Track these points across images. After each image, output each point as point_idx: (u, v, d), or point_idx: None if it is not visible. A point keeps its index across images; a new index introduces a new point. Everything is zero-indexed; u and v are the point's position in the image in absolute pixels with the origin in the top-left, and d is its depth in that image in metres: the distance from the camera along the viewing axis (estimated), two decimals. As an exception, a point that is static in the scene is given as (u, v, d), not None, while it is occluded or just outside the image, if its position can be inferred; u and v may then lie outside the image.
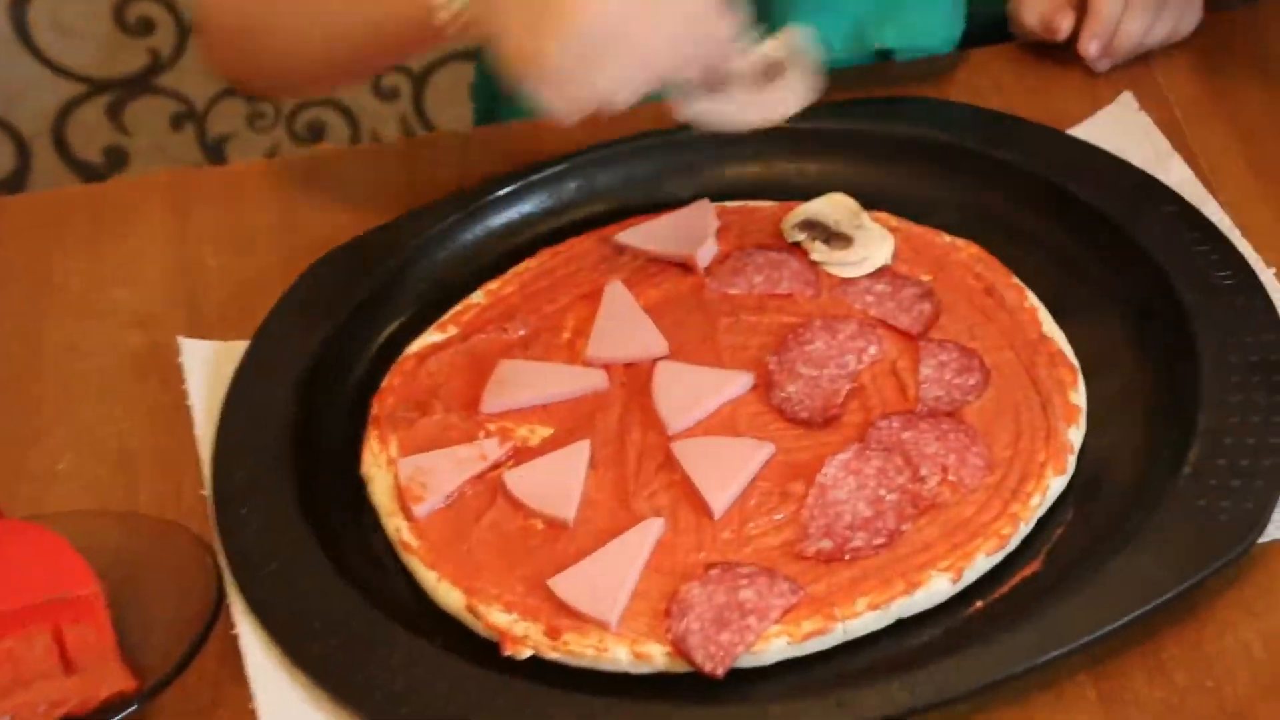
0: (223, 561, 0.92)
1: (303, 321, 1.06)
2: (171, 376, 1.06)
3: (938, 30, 1.22)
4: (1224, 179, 1.11)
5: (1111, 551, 0.86)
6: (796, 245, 1.05)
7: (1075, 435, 0.92)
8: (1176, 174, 1.10)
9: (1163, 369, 0.97)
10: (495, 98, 1.37)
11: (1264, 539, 0.87)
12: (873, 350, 0.98)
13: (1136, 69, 1.22)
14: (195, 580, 0.90)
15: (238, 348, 1.05)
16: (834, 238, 1.06)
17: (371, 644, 0.85)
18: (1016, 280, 1.03)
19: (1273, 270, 1.02)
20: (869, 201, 1.10)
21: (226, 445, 0.98)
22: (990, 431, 0.92)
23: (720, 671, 0.82)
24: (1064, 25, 1.21)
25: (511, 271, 1.08)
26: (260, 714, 0.86)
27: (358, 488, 0.97)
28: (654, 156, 1.16)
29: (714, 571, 0.87)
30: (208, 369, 1.05)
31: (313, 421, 1.00)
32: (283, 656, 0.87)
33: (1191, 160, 1.12)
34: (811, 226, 1.07)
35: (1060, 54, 1.23)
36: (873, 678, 0.81)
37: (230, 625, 0.89)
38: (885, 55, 1.23)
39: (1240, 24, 1.28)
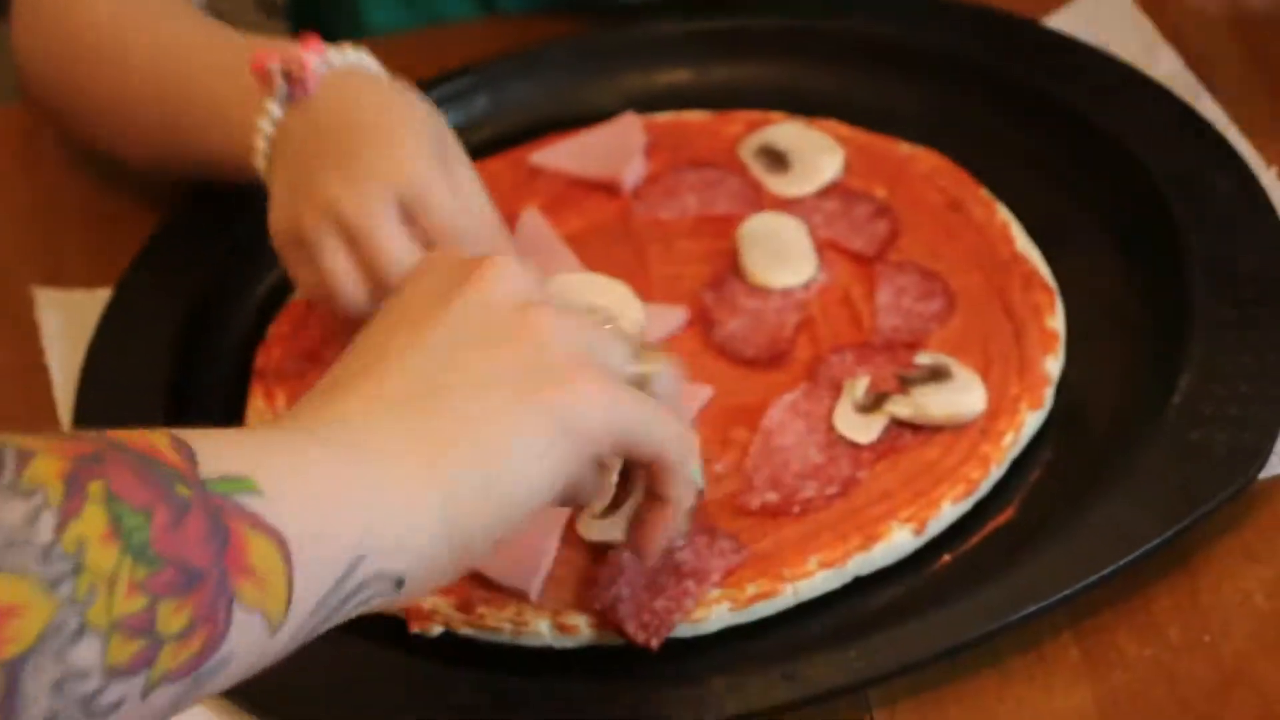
0: None
1: (175, 265, 1.10)
2: (28, 332, 1.10)
3: None
4: (1219, 69, 1.15)
5: (1094, 495, 0.91)
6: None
7: (1053, 365, 0.96)
8: (1165, 65, 1.14)
9: (1151, 288, 1.02)
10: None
11: (1265, 474, 0.90)
12: (823, 277, 1.01)
13: None
14: None
15: (101, 297, 1.08)
16: (776, 159, 1.10)
17: None
18: (985, 193, 1.07)
19: (1274, 170, 1.06)
20: (816, 108, 1.14)
21: (90, 407, 1.03)
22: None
23: (655, 643, 0.85)
24: None
25: None
26: None
27: None
28: (573, 64, 1.20)
29: None
30: (67, 322, 1.11)
31: (189, 377, 1.06)
32: None
33: (1182, 50, 1.16)
34: (768, 153, 1.11)
35: None
36: (827, 645, 0.85)
37: None
38: None
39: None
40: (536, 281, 0.83)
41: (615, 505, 0.91)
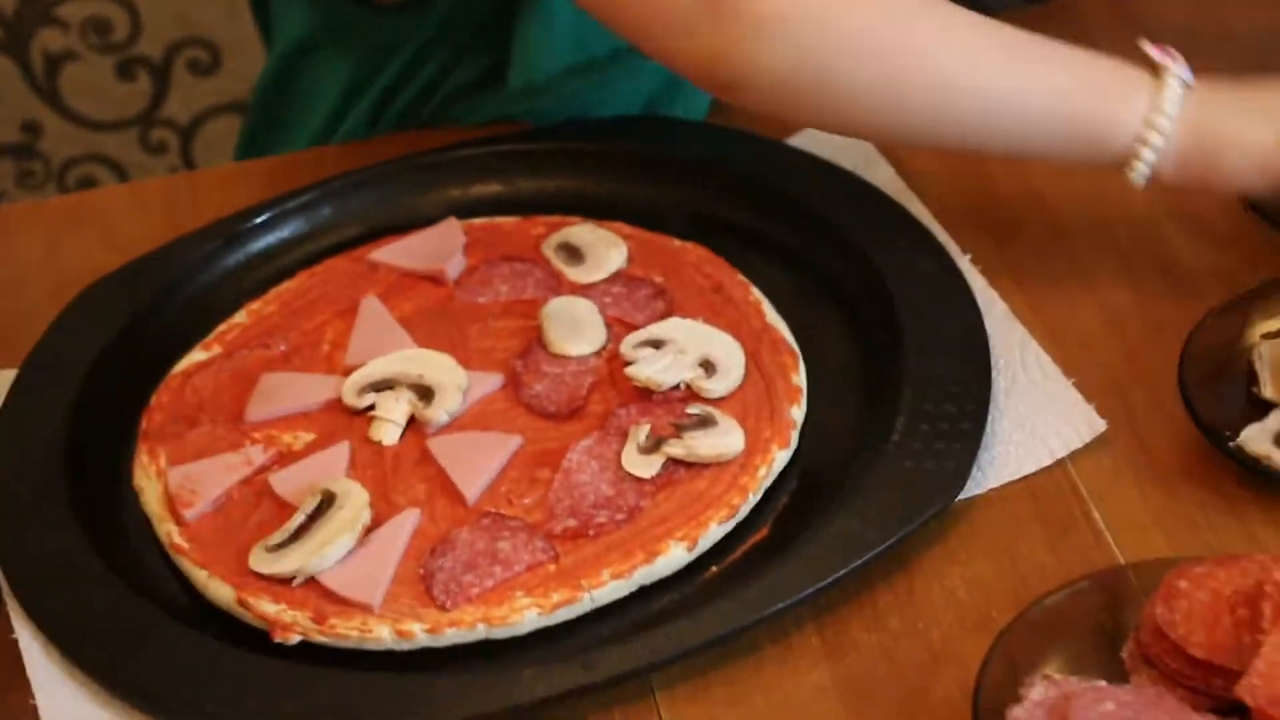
0: (1, 574, 0.92)
1: (72, 346, 1.05)
2: None
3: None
4: (924, 180, 1.14)
5: (830, 514, 0.89)
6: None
7: (797, 413, 0.96)
8: (882, 175, 1.14)
9: (875, 349, 1.01)
10: (262, 151, 1.37)
11: (965, 495, 0.91)
12: (611, 346, 1.00)
13: None
14: None
15: (7, 376, 1.04)
16: (573, 253, 1.08)
17: (145, 639, 0.87)
18: (741, 277, 1.06)
19: (968, 257, 1.06)
20: (605, 212, 1.12)
21: None
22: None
23: (449, 605, 0.85)
24: None
25: (272, 292, 1.08)
26: (43, 714, 0.86)
27: (130, 501, 0.97)
28: (403, 179, 1.16)
29: (486, 521, 0.90)
30: None
31: (84, 440, 1.00)
32: (61, 657, 0.87)
33: (895, 163, 1.15)
34: (566, 249, 1.09)
35: None
36: (618, 640, 0.85)
37: (9, 631, 0.90)
38: None
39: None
40: None
41: (292, 540, 0.90)
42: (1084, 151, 0.98)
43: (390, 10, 1.23)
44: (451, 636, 0.85)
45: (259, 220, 1.13)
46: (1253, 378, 0.95)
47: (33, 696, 0.87)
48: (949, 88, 0.97)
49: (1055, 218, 1.12)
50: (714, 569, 0.90)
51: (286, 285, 1.09)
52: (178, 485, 0.94)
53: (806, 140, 1.17)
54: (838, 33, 0.95)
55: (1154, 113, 0.95)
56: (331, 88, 1.30)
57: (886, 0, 0.97)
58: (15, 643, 0.89)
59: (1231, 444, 0.90)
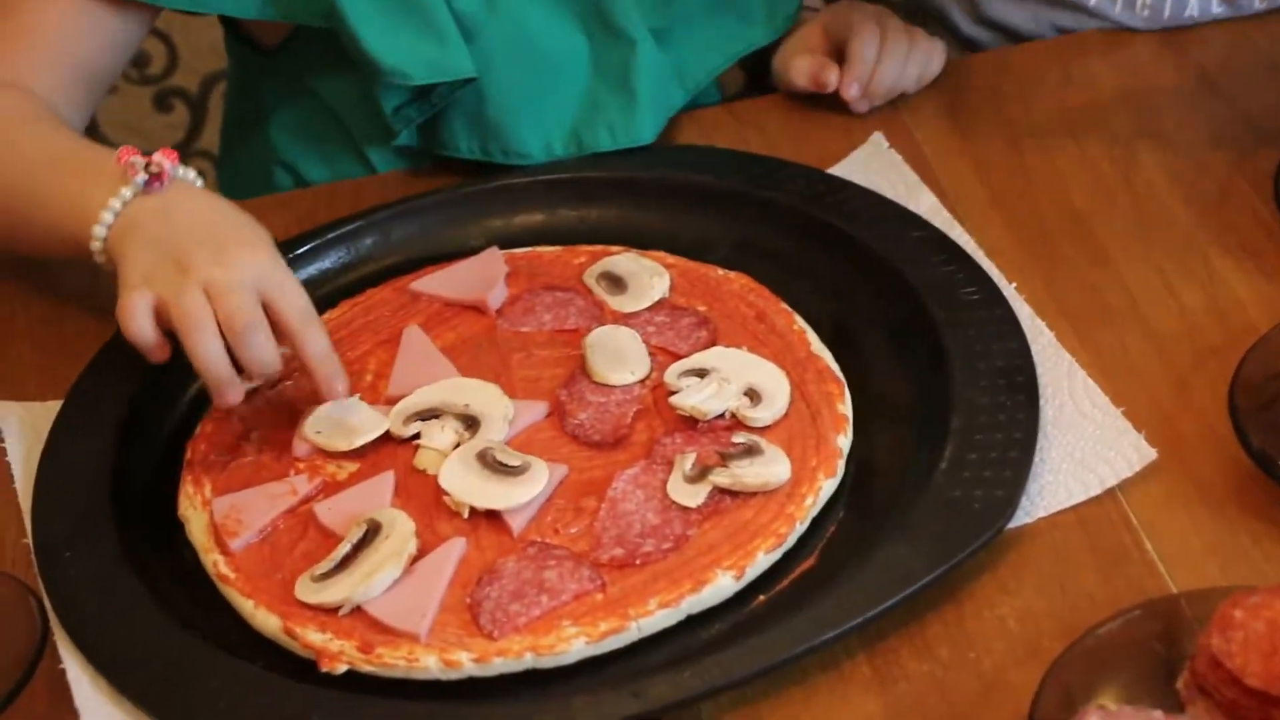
0: (49, 605, 0.91)
1: (117, 378, 1.05)
2: None
3: (643, 128, 1.23)
4: (967, 207, 1.14)
5: (878, 544, 0.89)
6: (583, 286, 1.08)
7: (844, 442, 0.95)
8: (925, 204, 1.13)
9: (920, 378, 1.00)
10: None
11: (1014, 524, 0.90)
12: (655, 375, 1.00)
13: (886, 112, 1.25)
14: (20, 623, 0.90)
15: (52, 408, 1.04)
16: (615, 282, 1.08)
17: (194, 670, 0.86)
18: (785, 306, 1.06)
19: (1013, 285, 1.05)
20: (647, 242, 1.12)
21: (45, 496, 0.98)
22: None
23: (496, 634, 0.85)
24: (831, 79, 1.24)
25: None
26: None
27: (176, 529, 0.97)
28: (446, 209, 1.17)
29: (532, 550, 0.89)
30: (24, 428, 1.05)
31: (129, 470, 1.00)
32: (109, 688, 0.87)
33: (938, 191, 1.15)
34: (608, 278, 1.09)
35: (817, 102, 1.26)
36: (666, 670, 0.84)
37: (58, 662, 0.89)
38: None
39: (978, 69, 1.31)
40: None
41: (338, 569, 0.90)
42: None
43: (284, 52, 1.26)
44: (498, 666, 0.85)
45: (302, 250, 1.13)
46: (1305, 405, 0.94)
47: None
48: None
49: (1099, 245, 1.11)
50: (762, 598, 0.89)
51: (329, 315, 1.09)
52: (223, 515, 0.94)
53: (849, 169, 1.18)
54: None
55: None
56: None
57: None
58: (63, 673, 0.89)
59: None
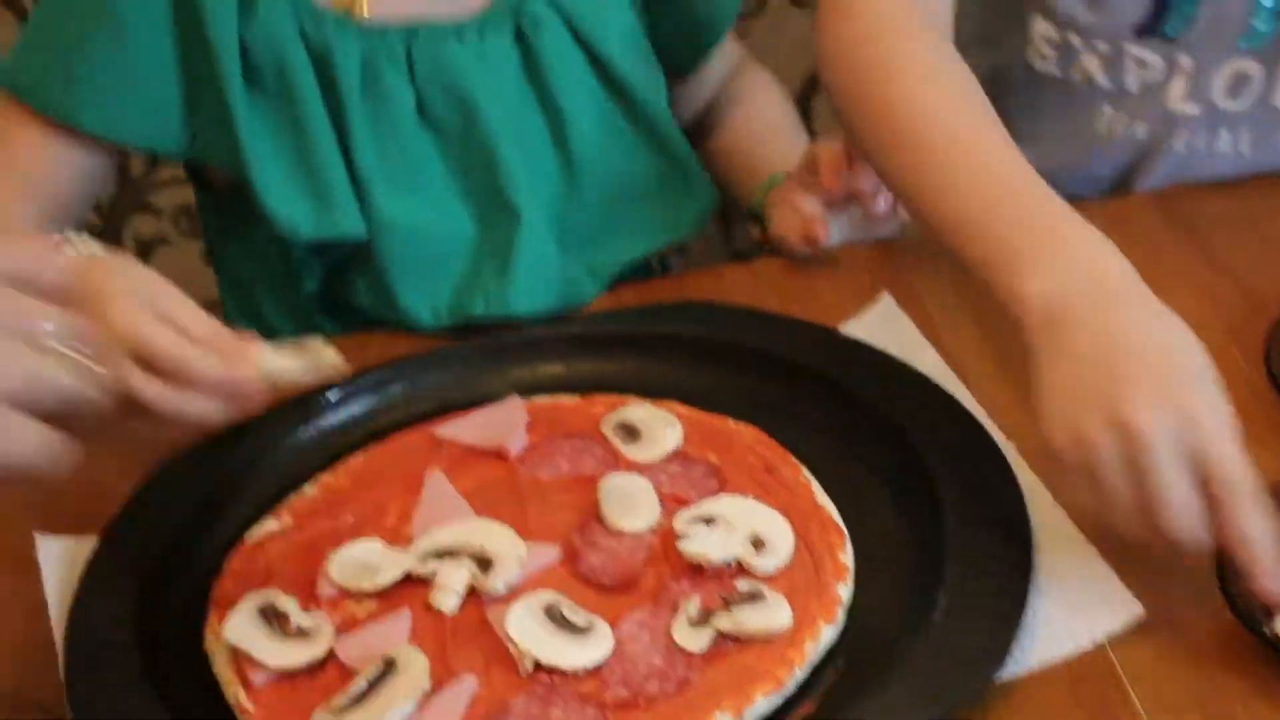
0: None
1: (150, 516, 1.08)
2: (30, 567, 1.07)
3: (518, 300, 1.27)
4: (971, 368, 1.16)
5: (876, 690, 0.89)
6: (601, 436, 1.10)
7: (844, 591, 0.97)
8: (930, 362, 1.15)
9: (919, 530, 1.01)
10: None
11: (1005, 675, 0.91)
12: (665, 522, 1.02)
13: (894, 273, 1.27)
14: None
15: (87, 543, 1.06)
16: (630, 432, 1.11)
17: None
18: (793, 459, 1.07)
19: (1013, 445, 1.07)
20: (661, 393, 1.14)
21: (78, 628, 1.00)
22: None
23: None
24: (822, 233, 1.27)
25: (342, 465, 1.11)
26: None
27: (203, 666, 0.99)
28: (471, 360, 1.20)
29: (540, 689, 0.91)
30: (62, 563, 1.07)
31: (160, 607, 1.02)
32: None
33: (943, 351, 1.17)
34: (624, 428, 1.11)
35: (828, 263, 1.29)
36: None
37: None
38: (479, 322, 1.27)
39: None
40: None
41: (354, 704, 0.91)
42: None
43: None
44: (506, 801, 0.87)
45: (334, 398, 1.17)
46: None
47: None
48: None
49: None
50: (761, 743, 0.90)
51: (355, 458, 1.12)
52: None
53: (858, 328, 1.20)
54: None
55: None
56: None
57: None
58: None
59: (1268, 631, 0.91)
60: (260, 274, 1.39)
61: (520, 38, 1.29)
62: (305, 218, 1.24)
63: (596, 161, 1.34)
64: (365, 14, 1.25)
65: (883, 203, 1.26)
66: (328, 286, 1.32)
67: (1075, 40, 1.32)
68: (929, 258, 1.29)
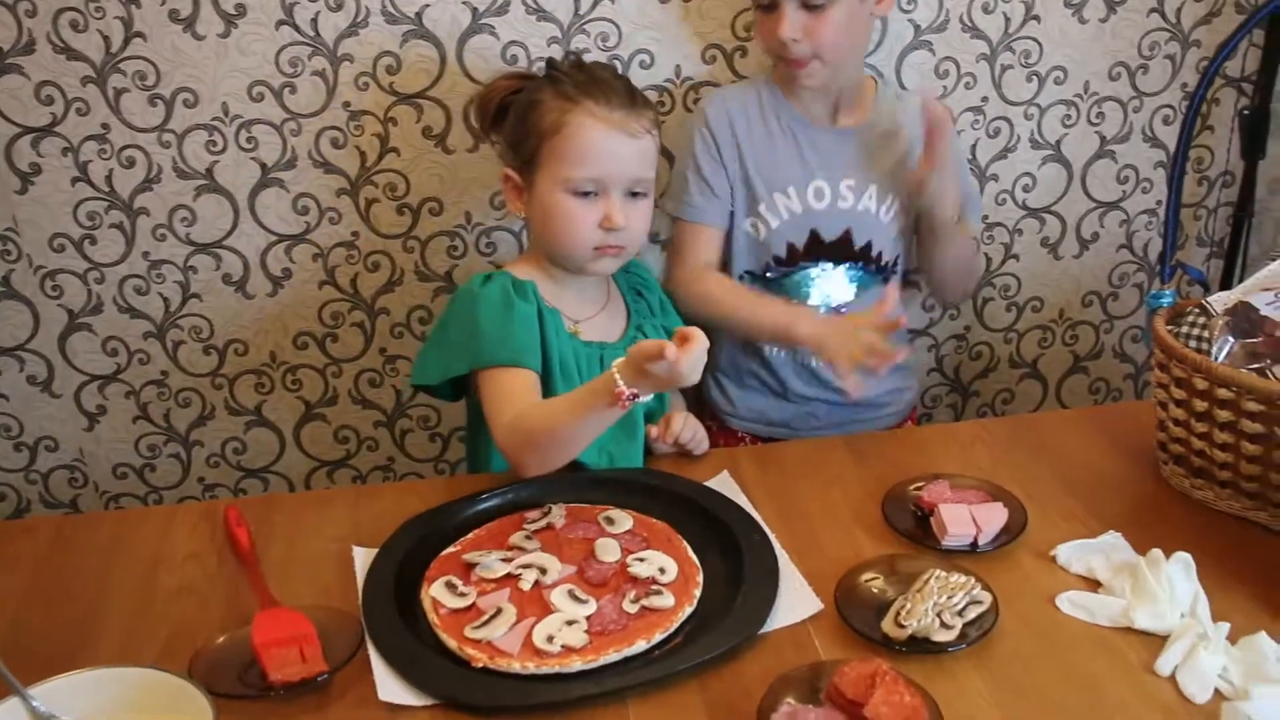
0: (365, 626, 1.63)
1: (401, 540, 1.79)
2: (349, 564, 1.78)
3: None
4: (760, 503, 1.88)
5: (709, 634, 1.56)
6: None
7: (697, 592, 1.68)
8: (743, 501, 1.85)
9: (734, 567, 1.71)
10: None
11: (764, 630, 1.55)
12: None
13: (731, 463, 2.02)
14: (352, 631, 1.66)
15: (374, 551, 1.77)
16: (609, 520, 1.74)
17: (425, 659, 1.59)
18: (679, 536, 1.79)
19: (774, 537, 1.76)
20: (625, 505, 1.85)
21: (369, 588, 1.71)
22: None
23: None
24: (669, 443, 2.15)
25: (481, 528, 1.87)
26: (379, 689, 1.52)
27: (419, 606, 1.69)
28: (558, 487, 1.93)
29: None
30: (363, 560, 1.78)
31: (403, 578, 1.72)
32: (388, 667, 1.55)
33: (750, 497, 1.89)
34: (607, 519, 1.71)
35: (704, 459, 2.04)
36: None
37: (366, 653, 1.59)
38: None
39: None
40: None
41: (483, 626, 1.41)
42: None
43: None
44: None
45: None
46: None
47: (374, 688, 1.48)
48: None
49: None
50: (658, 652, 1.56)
51: (491, 524, 1.86)
52: (435, 598, 1.70)
53: (713, 483, 1.92)
54: None
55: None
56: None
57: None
58: (368, 658, 1.56)
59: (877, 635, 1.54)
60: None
61: None
62: None
63: None
64: (582, 337, 2.11)
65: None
66: None
67: None
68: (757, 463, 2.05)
